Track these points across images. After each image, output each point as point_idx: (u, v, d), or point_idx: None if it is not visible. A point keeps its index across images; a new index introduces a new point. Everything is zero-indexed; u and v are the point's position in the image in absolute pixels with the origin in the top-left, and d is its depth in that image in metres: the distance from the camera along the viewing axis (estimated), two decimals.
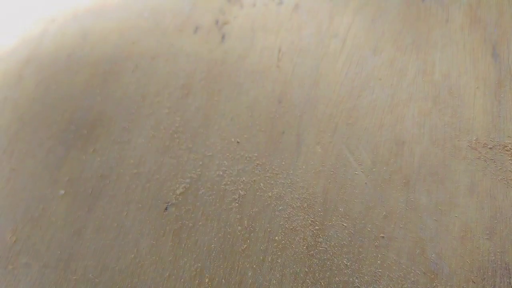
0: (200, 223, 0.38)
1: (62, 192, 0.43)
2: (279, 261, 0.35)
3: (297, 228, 0.36)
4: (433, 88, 0.39)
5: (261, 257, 0.35)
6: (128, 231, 0.39)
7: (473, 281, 0.32)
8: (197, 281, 0.36)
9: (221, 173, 0.40)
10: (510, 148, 0.36)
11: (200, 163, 0.41)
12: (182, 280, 0.36)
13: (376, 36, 0.44)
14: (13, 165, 0.46)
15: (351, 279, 0.33)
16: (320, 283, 0.34)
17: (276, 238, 0.36)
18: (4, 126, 0.49)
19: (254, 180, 0.39)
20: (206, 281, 0.35)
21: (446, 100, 0.39)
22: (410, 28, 0.43)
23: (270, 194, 0.38)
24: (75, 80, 0.52)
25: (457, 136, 0.37)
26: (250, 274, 0.35)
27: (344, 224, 0.35)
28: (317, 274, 0.34)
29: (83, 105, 0.49)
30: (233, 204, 0.38)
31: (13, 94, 0.53)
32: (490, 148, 0.36)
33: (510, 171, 0.35)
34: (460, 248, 0.33)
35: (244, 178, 0.39)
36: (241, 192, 0.38)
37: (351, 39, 0.44)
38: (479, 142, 0.36)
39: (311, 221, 0.36)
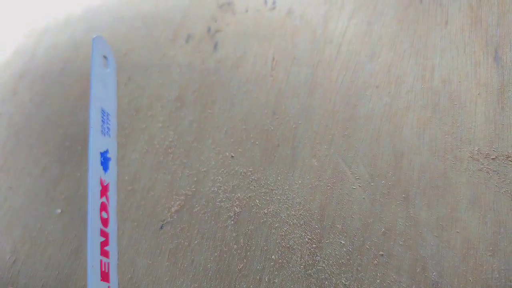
0: (196, 241, 0.37)
1: (59, 211, 0.43)
2: (276, 281, 0.34)
3: (294, 247, 0.35)
4: (433, 95, 0.38)
5: (258, 277, 0.35)
6: (124, 251, 0.39)
7: None
8: None
9: (215, 189, 0.39)
10: None
11: (195, 179, 0.40)
12: None
13: (372, 41, 0.42)
14: (10, 183, 0.46)
15: None
16: None
17: (273, 257, 0.35)
18: (0, 143, 0.49)
19: (250, 197, 0.38)
20: None
21: (446, 108, 0.37)
22: (407, 31, 0.41)
23: (266, 211, 0.37)
24: (68, 94, 0.51)
25: (458, 146, 0.35)
26: None
27: (342, 242, 0.34)
28: None
29: (77, 119, 0.48)
30: (229, 221, 0.37)
31: (8, 110, 0.52)
32: (493, 158, 0.34)
33: None
34: (462, 265, 0.32)
35: (239, 195, 0.38)
36: (236, 209, 0.38)
37: (346, 45, 0.43)
38: (481, 153, 0.35)
39: (308, 238, 0.35)
